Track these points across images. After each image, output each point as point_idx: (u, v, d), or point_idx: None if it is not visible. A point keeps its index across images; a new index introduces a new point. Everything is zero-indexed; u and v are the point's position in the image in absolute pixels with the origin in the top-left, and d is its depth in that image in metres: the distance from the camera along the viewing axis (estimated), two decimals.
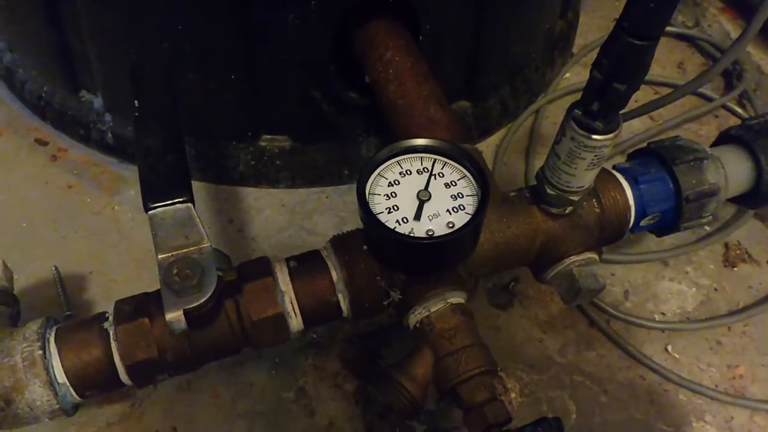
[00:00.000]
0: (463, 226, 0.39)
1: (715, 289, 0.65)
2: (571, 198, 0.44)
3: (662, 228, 0.52)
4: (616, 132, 0.39)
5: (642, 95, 0.81)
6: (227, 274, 0.43)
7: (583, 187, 0.43)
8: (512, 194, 0.49)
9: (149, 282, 0.49)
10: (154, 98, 0.47)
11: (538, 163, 0.74)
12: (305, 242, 0.65)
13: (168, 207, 0.42)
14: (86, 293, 0.61)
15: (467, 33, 0.63)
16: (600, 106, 0.37)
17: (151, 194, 0.42)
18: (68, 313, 0.58)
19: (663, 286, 0.65)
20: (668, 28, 0.86)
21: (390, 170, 0.43)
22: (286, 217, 0.67)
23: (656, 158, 0.51)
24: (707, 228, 0.69)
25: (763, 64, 0.80)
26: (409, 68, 0.55)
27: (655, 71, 0.84)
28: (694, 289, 0.65)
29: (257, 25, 0.55)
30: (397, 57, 0.56)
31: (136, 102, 0.47)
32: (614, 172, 0.50)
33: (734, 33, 0.83)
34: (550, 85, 0.79)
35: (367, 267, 0.43)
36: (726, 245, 0.68)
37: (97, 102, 0.68)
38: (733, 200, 0.56)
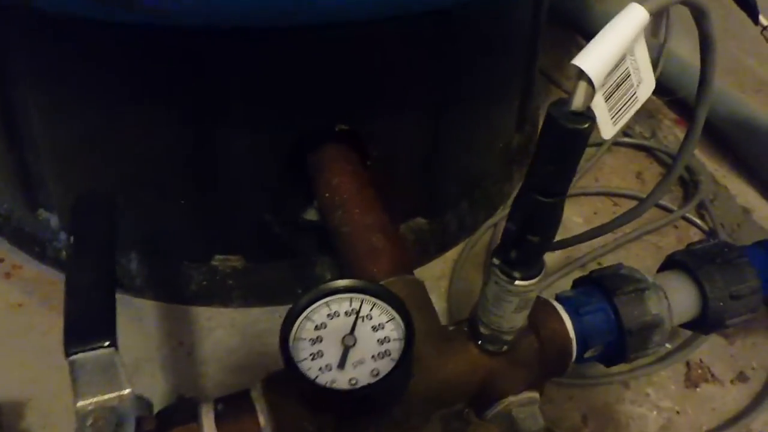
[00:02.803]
0: (385, 375, 0.38)
1: (677, 412, 0.63)
2: (505, 338, 0.44)
3: (609, 359, 0.51)
4: (540, 276, 0.39)
5: (602, 206, 0.82)
6: (147, 422, 0.41)
7: (514, 327, 0.43)
8: (451, 328, 0.48)
9: None
10: (90, 235, 0.47)
11: None
12: (256, 364, 0.64)
13: (90, 352, 0.41)
14: (23, 421, 0.59)
15: (419, 156, 0.64)
16: (517, 255, 0.37)
17: (73, 339, 0.41)
18: None
19: (623, 410, 0.63)
20: (626, 139, 0.89)
21: (318, 312, 0.42)
22: (238, 338, 0.66)
23: (598, 288, 0.50)
24: (668, 346, 0.68)
25: (718, 175, 0.81)
26: (355, 195, 0.56)
27: (614, 182, 0.86)
28: (655, 412, 0.63)
29: (208, 153, 0.56)
30: (343, 183, 0.57)
31: (71, 238, 0.47)
32: (554, 303, 0.49)
33: None
34: (509, 198, 0.79)
35: (296, 411, 0.42)
36: (688, 364, 0.67)
37: (54, 220, 0.69)
38: (684, 326, 0.55)
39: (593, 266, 0.77)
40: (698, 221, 0.80)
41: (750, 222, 0.78)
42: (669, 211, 0.81)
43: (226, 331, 0.66)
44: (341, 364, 0.39)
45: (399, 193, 0.66)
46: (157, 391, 0.62)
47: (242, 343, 0.65)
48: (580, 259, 0.74)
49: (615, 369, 0.65)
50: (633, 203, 0.83)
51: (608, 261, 0.76)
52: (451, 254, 0.74)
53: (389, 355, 0.40)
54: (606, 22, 0.95)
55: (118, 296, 0.68)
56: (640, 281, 0.50)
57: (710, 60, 0.38)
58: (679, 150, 0.48)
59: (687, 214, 0.80)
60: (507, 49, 0.65)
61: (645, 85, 0.32)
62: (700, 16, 0.35)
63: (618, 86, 0.31)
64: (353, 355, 0.40)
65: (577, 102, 0.29)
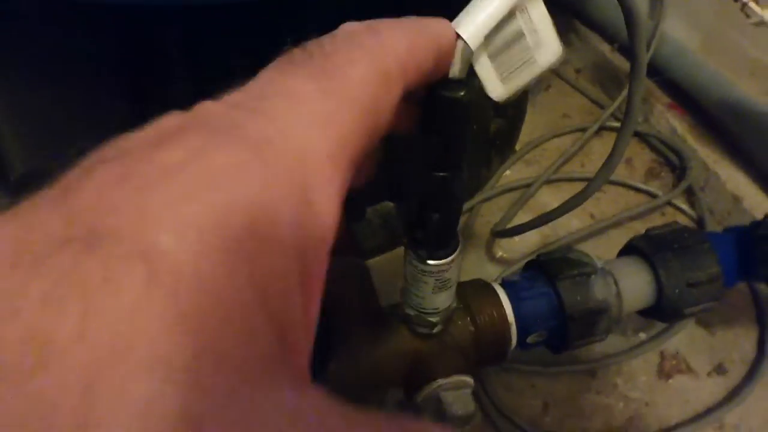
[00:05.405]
0: None
1: (646, 404, 0.61)
2: (430, 320, 0.42)
3: (554, 346, 0.50)
4: (455, 255, 0.38)
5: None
6: None
7: (438, 309, 0.42)
8: (385, 310, 0.47)
9: None
10: None
11: (466, 263, 0.72)
12: None
13: None
14: None
15: None
16: (423, 234, 0.36)
17: None
18: None
19: (588, 400, 0.61)
20: (616, 123, 0.86)
21: None
22: None
23: (543, 272, 0.49)
24: (642, 335, 0.66)
25: (710, 161, 0.78)
26: None
27: None
28: (621, 403, 0.61)
29: None
30: None
31: None
32: (496, 286, 0.48)
33: (680, 129, 0.82)
34: (487, 183, 0.78)
35: None
36: (662, 354, 0.64)
37: None
38: (641, 314, 0.53)
39: None
40: (686, 208, 0.77)
41: (740, 210, 0.74)
42: (655, 197, 0.78)
43: None
44: None
45: None
46: None
47: None
48: (556, 242, 0.72)
49: (583, 356, 0.63)
50: (619, 190, 0.80)
51: (587, 247, 0.74)
52: None
53: None
54: (605, 6, 0.90)
55: None
56: (586, 265, 0.48)
57: (635, 25, 0.37)
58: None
59: (675, 201, 0.77)
60: None
61: (546, 50, 0.31)
62: None
63: (508, 45, 0.30)
64: None
65: (455, 68, 0.28)
